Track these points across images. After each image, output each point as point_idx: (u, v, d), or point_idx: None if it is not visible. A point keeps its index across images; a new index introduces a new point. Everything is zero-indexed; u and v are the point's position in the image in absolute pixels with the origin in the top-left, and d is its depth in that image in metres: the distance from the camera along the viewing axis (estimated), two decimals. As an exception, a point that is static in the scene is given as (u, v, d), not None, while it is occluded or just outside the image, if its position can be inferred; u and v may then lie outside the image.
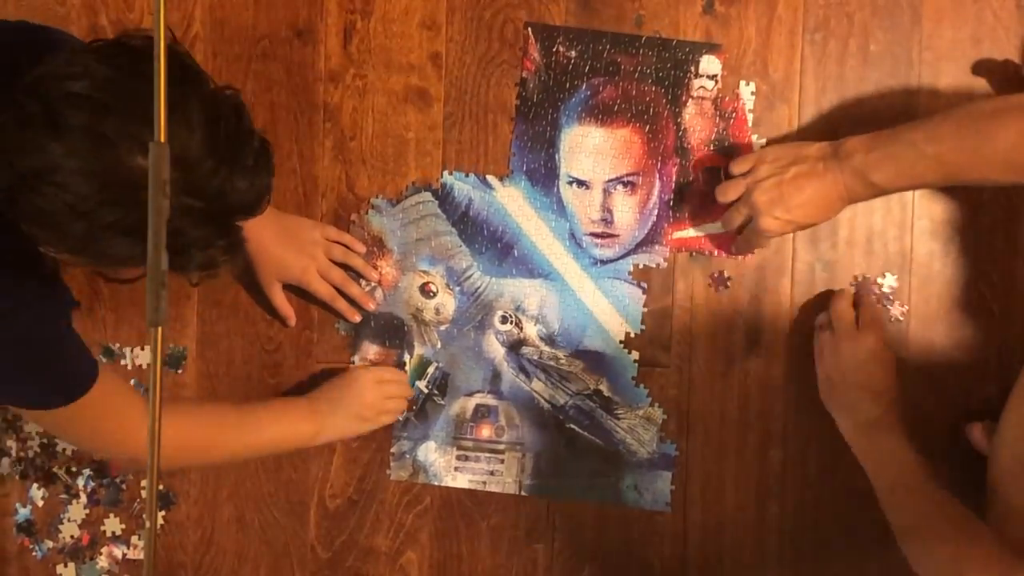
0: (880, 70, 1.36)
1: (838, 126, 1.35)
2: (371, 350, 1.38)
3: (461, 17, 1.36)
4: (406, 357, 1.38)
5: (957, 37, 1.36)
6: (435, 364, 1.38)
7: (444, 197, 1.37)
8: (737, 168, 1.30)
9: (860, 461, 1.32)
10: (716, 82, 1.36)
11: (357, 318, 1.36)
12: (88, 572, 1.38)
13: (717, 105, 1.36)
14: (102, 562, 1.38)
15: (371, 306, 1.36)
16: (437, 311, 1.38)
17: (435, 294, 1.38)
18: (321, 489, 1.39)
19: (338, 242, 1.35)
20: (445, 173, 1.37)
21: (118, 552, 1.38)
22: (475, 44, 1.36)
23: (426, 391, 1.38)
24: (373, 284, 1.37)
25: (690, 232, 1.37)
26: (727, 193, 1.29)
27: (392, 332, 1.38)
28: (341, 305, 1.35)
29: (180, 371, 1.37)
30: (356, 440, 1.38)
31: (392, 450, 1.39)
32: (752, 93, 1.36)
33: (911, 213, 1.37)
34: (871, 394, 1.30)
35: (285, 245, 1.31)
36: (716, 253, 1.37)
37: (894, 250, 1.37)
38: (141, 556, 1.38)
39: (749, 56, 1.36)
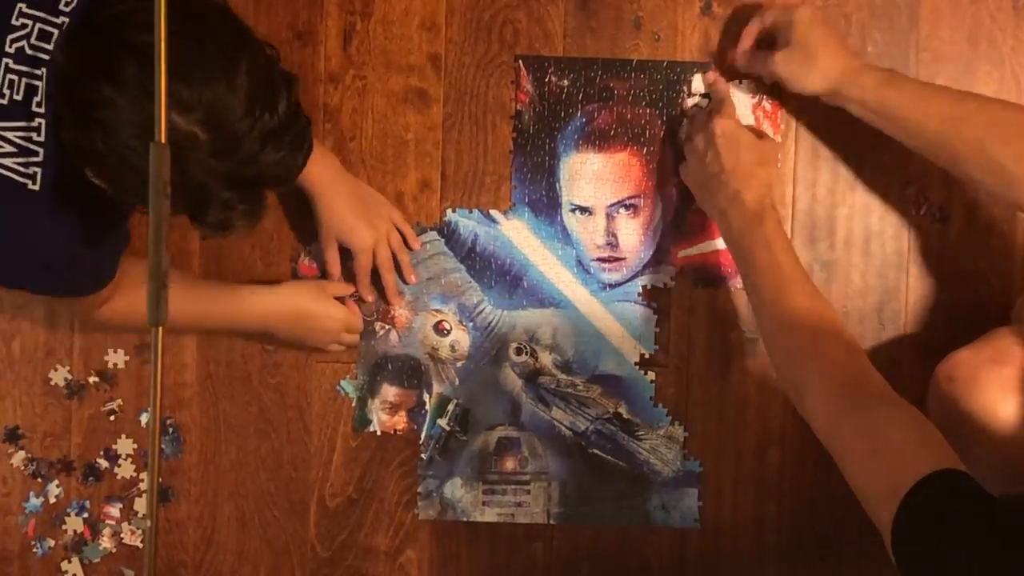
0: (878, 71, 1.37)
1: (837, 127, 1.36)
2: (390, 392, 1.38)
3: (460, 18, 1.37)
4: (425, 397, 1.38)
5: (954, 38, 1.37)
6: (455, 401, 1.39)
7: (450, 235, 1.38)
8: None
9: (741, 263, 1.27)
10: (709, 99, 1.36)
11: (371, 297, 1.36)
12: (91, 551, 1.39)
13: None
14: (105, 542, 1.39)
15: (396, 301, 1.36)
16: (453, 348, 1.38)
17: (449, 331, 1.38)
18: (321, 488, 1.40)
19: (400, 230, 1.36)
20: (448, 211, 1.37)
21: (120, 537, 1.39)
22: (474, 45, 1.37)
23: (448, 428, 1.39)
24: (404, 286, 1.37)
25: (695, 249, 1.37)
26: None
27: (410, 373, 1.38)
28: (363, 283, 1.35)
29: None
30: (356, 440, 1.39)
31: (419, 489, 1.39)
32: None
33: (909, 213, 1.38)
34: (739, 179, 1.26)
35: (357, 213, 1.32)
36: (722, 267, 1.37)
37: (892, 250, 1.38)
38: (139, 544, 1.39)
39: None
